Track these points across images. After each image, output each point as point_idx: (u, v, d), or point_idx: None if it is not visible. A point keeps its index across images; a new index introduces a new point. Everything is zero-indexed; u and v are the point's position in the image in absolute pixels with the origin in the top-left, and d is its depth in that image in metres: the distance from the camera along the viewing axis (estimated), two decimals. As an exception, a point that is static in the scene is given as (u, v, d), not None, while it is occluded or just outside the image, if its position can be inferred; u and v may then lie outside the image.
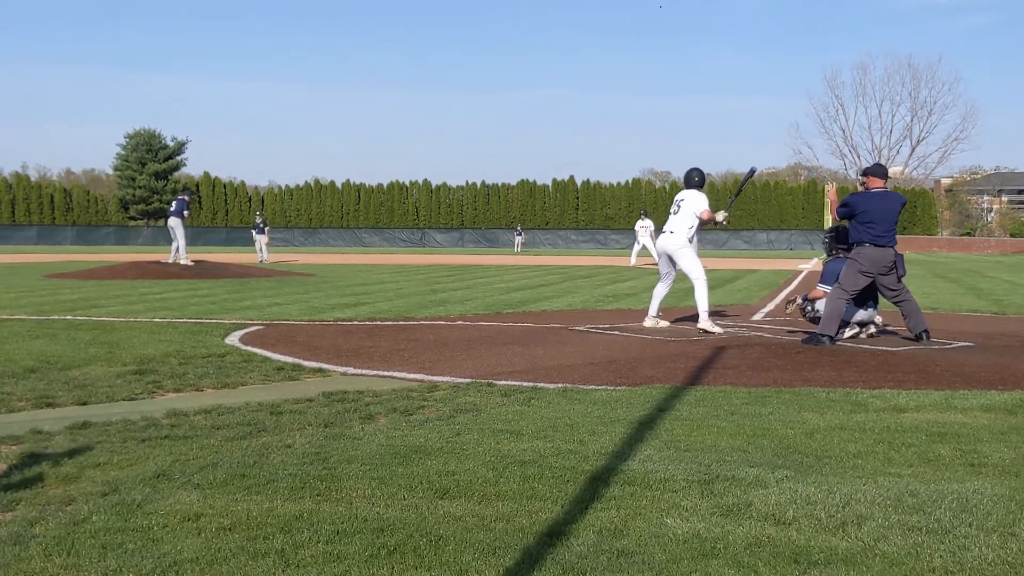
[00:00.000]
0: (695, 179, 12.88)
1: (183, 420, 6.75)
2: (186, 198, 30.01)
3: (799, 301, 11.98)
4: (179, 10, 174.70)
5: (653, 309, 12.94)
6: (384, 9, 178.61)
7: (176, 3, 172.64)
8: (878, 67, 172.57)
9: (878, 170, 11.45)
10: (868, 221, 10.84)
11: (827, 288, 11.90)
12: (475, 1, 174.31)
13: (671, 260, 12.71)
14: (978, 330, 12.74)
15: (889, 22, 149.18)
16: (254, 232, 43.20)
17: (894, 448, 5.94)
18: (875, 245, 10.85)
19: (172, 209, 29.87)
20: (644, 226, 36.87)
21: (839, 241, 11.97)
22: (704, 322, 12.13)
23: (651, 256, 35.46)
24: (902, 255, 11.22)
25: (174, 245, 29.41)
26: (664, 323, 12.84)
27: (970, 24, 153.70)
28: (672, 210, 12.85)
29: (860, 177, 11.68)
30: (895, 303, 11.29)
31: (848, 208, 11.01)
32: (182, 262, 28.42)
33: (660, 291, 12.95)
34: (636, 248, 37.66)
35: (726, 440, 6.15)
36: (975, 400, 7.52)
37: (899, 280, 11.16)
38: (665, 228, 12.80)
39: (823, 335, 10.64)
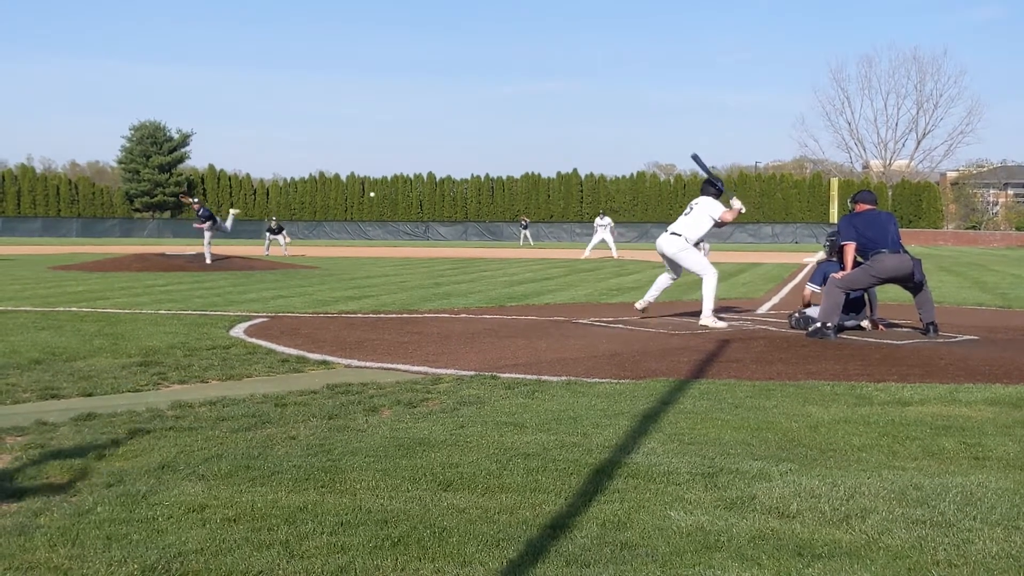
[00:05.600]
0: (711, 189, 12.80)
1: (188, 412, 6.76)
2: (195, 205, 30.88)
3: (797, 315, 11.87)
4: (185, 2, 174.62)
5: (651, 294, 12.91)
6: (390, 2, 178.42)
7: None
8: (883, 60, 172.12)
9: (866, 196, 11.54)
10: (871, 234, 10.95)
11: (815, 287, 11.95)
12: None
13: (672, 262, 12.61)
14: (983, 324, 12.72)
15: (894, 14, 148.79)
16: (268, 234, 43.54)
17: (898, 441, 5.93)
18: (892, 251, 10.86)
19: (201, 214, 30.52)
20: (603, 224, 39.63)
21: (838, 249, 11.91)
22: (707, 318, 12.11)
23: (609, 250, 38.58)
24: (919, 260, 11.20)
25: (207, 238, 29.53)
26: (645, 306, 12.82)
27: (976, 17, 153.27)
28: (685, 211, 12.84)
29: (850, 204, 11.65)
30: (914, 294, 11.31)
31: (852, 231, 11.06)
32: (207, 261, 28.33)
33: (664, 282, 12.91)
34: (593, 241, 39.69)
35: (730, 433, 6.15)
36: (980, 394, 7.51)
37: (919, 284, 11.17)
38: (669, 228, 12.71)
39: (827, 327, 10.65)
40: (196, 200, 32.89)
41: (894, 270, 10.92)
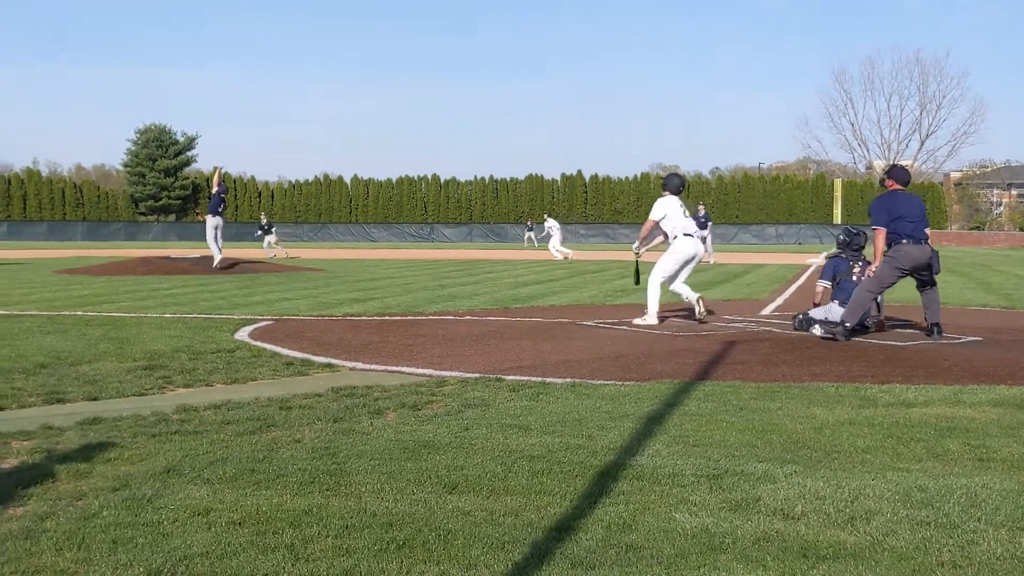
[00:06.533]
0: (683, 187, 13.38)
1: (193, 415, 6.78)
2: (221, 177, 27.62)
3: (801, 317, 11.87)
4: (189, 5, 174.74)
5: (692, 295, 13.07)
6: (393, 3, 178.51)
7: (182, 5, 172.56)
8: (886, 61, 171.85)
9: (901, 175, 11.25)
10: (899, 217, 10.74)
11: (827, 284, 11.92)
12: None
13: (689, 263, 12.99)
14: (987, 325, 12.71)
15: (896, 16, 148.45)
16: (261, 232, 42.78)
17: (903, 443, 5.93)
18: (915, 242, 10.76)
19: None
20: (550, 225, 41.34)
21: (853, 248, 11.89)
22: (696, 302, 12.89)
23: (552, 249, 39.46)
24: (937, 252, 11.07)
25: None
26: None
27: (979, 18, 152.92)
28: (686, 214, 13.09)
29: (882, 174, 11.41)
30: (922, 291, 11.25)
31: (885, 214, 10.81)
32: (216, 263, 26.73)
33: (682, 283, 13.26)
34: (556, 241, 39.98)
35: (735, 435, 6.15)
36: (984, 395, 7.50)
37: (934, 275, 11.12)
38: (694, 233, 13.04)
39: (844, 325, 10.58)
40: (223, 180, 29.59)
41: (916, 260, 10.79)
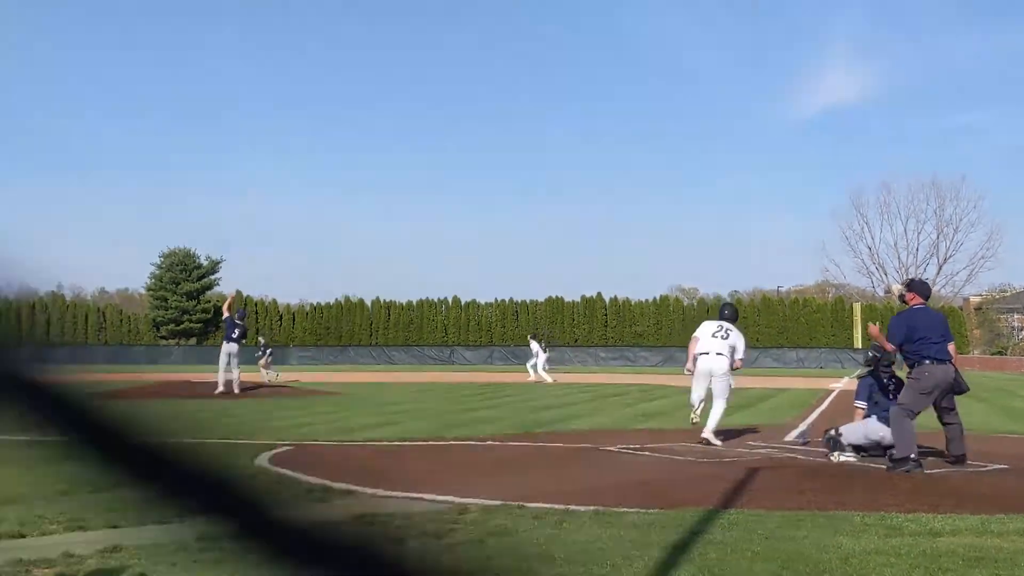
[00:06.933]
0: (735, 315, 13.91)
1: (213, 544, 6.73)
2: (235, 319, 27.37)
3: (833, 433, 11.82)
4: (208, 136, 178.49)
5: (701, 409, 13.60)
6: (410, 129, 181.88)
7: (208, 131, 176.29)
8: (901, 186, 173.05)
9: (922, 289, 11.15)
10: (922, 337, 10.61)
11: (862, 404, 11.90)
12: (502, 121, 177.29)
13: (712, 379, 13.32)
14: (1013, 452, 12.60)
15: (910, 142, 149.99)
16: (260, 354, 39.21)
17: (930, 573, 5.85)
18: (938, 362, 10.66)
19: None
20: (535, 348, 40.03)
21: (884, 364, 11.89)
22: (709, 433, 13.18)
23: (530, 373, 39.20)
24: (957, 369, 10.96)
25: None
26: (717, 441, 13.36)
27: (993, 143, 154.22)
28: (719, 335, 13.43)
29: (902, 289, 11.33)
30: (943, 423, 11.13)
31: (903, 332, 10.73)
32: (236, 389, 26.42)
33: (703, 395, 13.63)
34: (541, 361, 39.19)
35: (761, 565, 6.08)
36: (1012, 524, 7.41)
37: (962, 393, 11.07)
38: (710, 350, 13.35)
39: (908, 459, 10.37)
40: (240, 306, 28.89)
41: (940, 381, 10.65)
